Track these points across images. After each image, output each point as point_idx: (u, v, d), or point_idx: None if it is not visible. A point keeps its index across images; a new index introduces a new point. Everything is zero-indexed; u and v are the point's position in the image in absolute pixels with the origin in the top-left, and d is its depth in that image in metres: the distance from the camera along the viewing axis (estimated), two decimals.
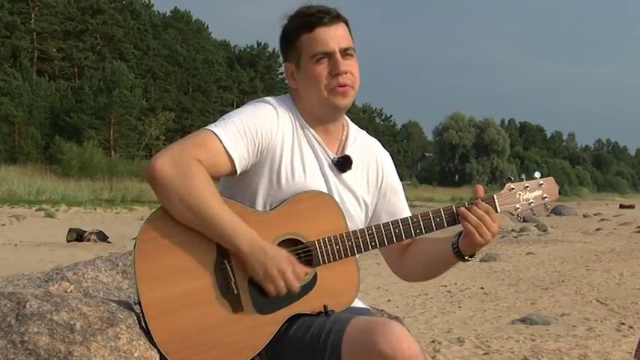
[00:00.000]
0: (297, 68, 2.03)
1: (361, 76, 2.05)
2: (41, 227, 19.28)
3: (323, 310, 1.90)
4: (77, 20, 54.16)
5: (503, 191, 2.05)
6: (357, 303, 2.05)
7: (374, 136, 2.24)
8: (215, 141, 1.90)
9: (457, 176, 77.72)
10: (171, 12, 66.15)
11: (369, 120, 77.98)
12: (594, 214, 31.75)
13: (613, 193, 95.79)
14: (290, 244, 1.94)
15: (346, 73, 2.00)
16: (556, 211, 30.52)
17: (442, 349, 5.00)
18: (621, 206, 43.94)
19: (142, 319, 1.89)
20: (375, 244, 1.98)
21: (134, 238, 2.04)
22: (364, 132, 2.20)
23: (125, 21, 56.32)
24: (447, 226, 2.01)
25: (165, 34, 61.23)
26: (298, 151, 2.02)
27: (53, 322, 1.80)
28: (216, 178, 1.94)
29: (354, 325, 1.80)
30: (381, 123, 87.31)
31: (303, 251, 1.93)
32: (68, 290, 2.50)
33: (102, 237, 15.77)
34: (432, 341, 5.24)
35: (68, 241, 15.24)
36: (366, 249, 1.97)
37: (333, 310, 1.91)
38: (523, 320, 6.15)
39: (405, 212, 2.15)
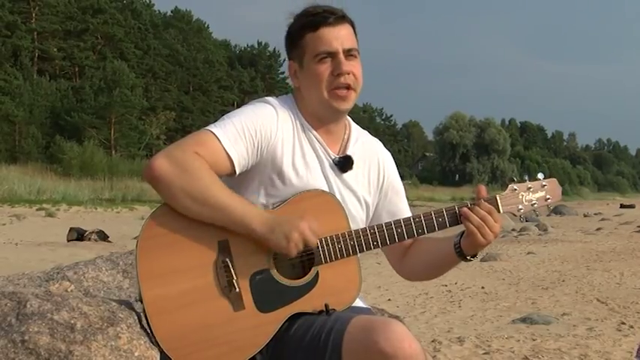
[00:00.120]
0: (300, 67, 2.03)
1: (362, 76, 2.04)
2: (42, 227, 19.30)
3: (324, 308, 1.90)
4: (78, 20, 54.17)
5: (505, 192, 2.04)
6: (358, 303, 2.04)
7: (375, 136, 2.23)
8: (214, 141, 1.90)
9: (458, 176, 77.72)
10: (171, 12, 66.23)
11: (369, 120, 77.97)
12: (595, 214, 31.75)
13: (613, 192, 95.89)
14: None
15: (348, 73, 1.99)
16: (556, 211, 30.49)
17: (442, 348, 4.99)
18: (622, 206, 43.99)
19: (143, 317, 1.88)
20: (378, 243, 1.97)
21: (135, 238, 2.04)
22: (366, 132, 2.20)
23: (126, 20, 56.35)
24: (450, 226, 2.01)
25: (165, 33, 61.25)
26: (299, 150, 2.01)
27: (54, 322, 1.80)
28: None
29: (355, 324, 1.80)
30: (382, 123, 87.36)
31: (305, 250, 1.93)
32: (69, 290, 2.50)
33: (102, 236, 15.80)
34: (433, 341, 5.24)
35: (69, 241, 15.26)
36: (369, 248, 1.97)
37: (334, 309, 1.90)
38: (523, 320, 6.14)
39: (406, 212, 2.15)
